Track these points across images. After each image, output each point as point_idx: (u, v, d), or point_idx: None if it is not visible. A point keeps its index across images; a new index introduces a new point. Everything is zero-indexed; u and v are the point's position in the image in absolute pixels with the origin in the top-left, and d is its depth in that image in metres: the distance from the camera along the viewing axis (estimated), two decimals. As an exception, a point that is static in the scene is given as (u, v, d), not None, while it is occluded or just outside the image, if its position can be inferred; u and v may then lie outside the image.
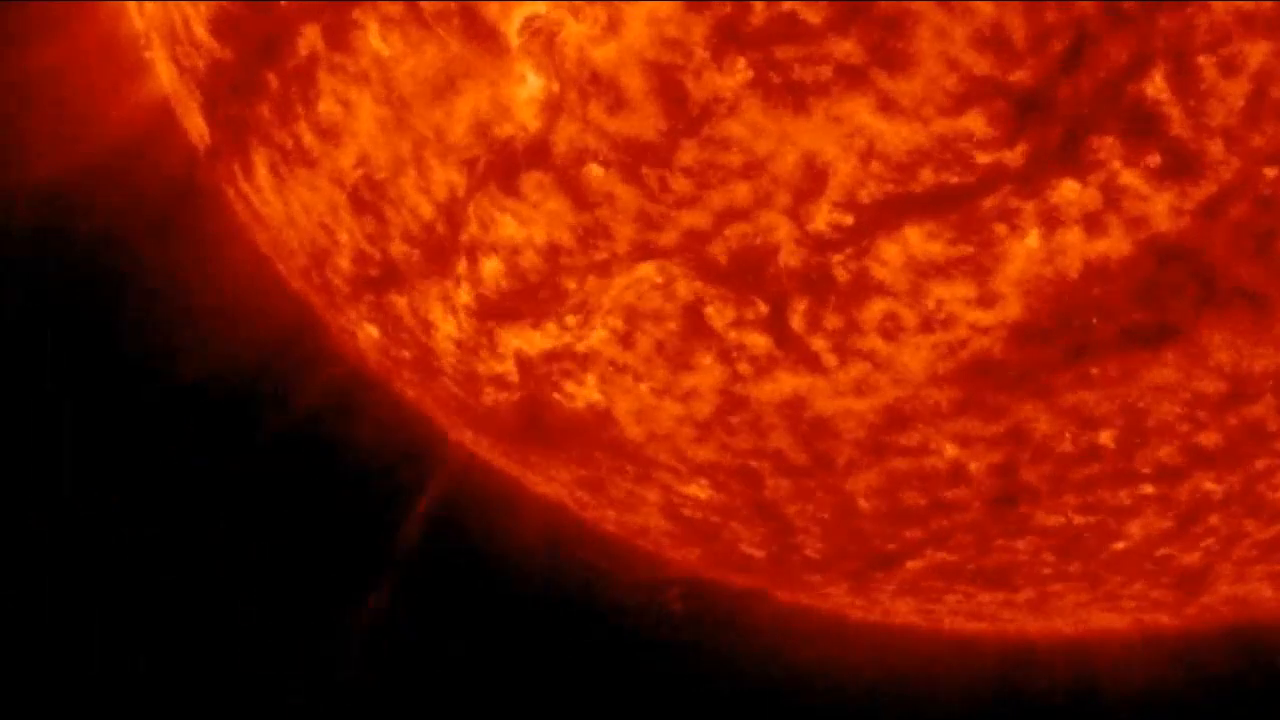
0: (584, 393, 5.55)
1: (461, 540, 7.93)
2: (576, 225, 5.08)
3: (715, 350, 5.22)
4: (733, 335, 5.16)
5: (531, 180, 5.06)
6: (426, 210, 5.36)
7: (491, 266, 5.34)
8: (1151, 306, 4.91)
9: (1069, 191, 4.73)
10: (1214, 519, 5.55)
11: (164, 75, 6.38)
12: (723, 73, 4.68)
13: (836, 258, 4.93)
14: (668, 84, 4.73)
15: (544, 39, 4.85)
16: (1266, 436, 5.23)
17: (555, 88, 4.90)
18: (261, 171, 5.84)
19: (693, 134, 4.78)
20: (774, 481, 5.59)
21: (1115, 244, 4.79)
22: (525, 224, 5.15)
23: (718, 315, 5.13)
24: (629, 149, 4.86)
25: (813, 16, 4.57)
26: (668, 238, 4.99)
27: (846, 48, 4.58)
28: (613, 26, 4.73)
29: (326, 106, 5.35)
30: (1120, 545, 5.66)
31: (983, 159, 4.69)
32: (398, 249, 5.55)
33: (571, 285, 5.24)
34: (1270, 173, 4.68)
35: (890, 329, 5.02)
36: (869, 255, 4.90)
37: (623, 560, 6.97)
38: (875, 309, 5.00)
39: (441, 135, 5.15)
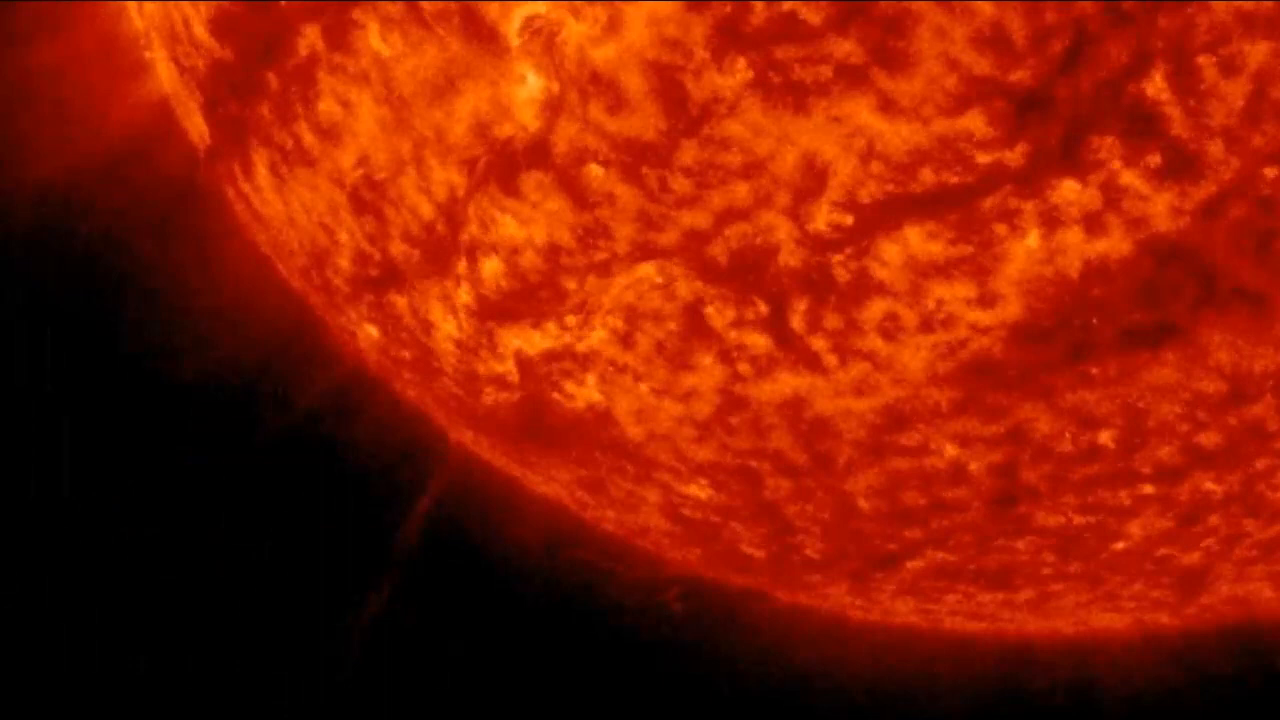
0: (584, 393, 5.54)
1: (461, 540, 7.93)
2: (576, 225, 5.07)
3: (715, 350, 5.21)
4: (733, 335, 5.16)
5: (531, 180, 5.06)
6: (426, 210, 5.36)
7: (491, 266, 5.34)
8: (1151, 306, 4.91)
9: (1069, 191, 4.73)
10: (1214, 519, 5.55)
11: (164, 75, 6.38)
12: (723, 73, 4.68)
13: (836, 258, 4.92)
14: (668, 84, 4.73)
15: (544, 39, 4.85)
16: (1266, 436, 5.23)
17: (555, 88, 4.90)
18: (261, 171, 5.84)
19: (693, 134, 4.78)
20: (774, 481, 5.58)
21: (1115, 244, 4.79)
22: (525, 224, 5.15)
23: (718, 315, 5.13)
24: (629, 149, 4.86)
25: (813, 16, 4.56)
26: (668, 238, 4.99)
27: (846, 48, 4.58)
28: (613, 26, 4.72)
29: (326, 106, 5.35)
30: (1120, 545, 5.66)
31: (983, 159, 4.69)
32: (397, 249, 5.55)
33: (571, 285, 5.24)
34: (1270, 173, 4.68)
35: (890, 329, 5.02)
36: (869, 255, 4.90)
37: (623, 560, 6.97)
38: (875, 309, 4.99)
39: (441, 135, 5.14)
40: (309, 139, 5.49)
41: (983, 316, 4.95)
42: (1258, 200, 4.72)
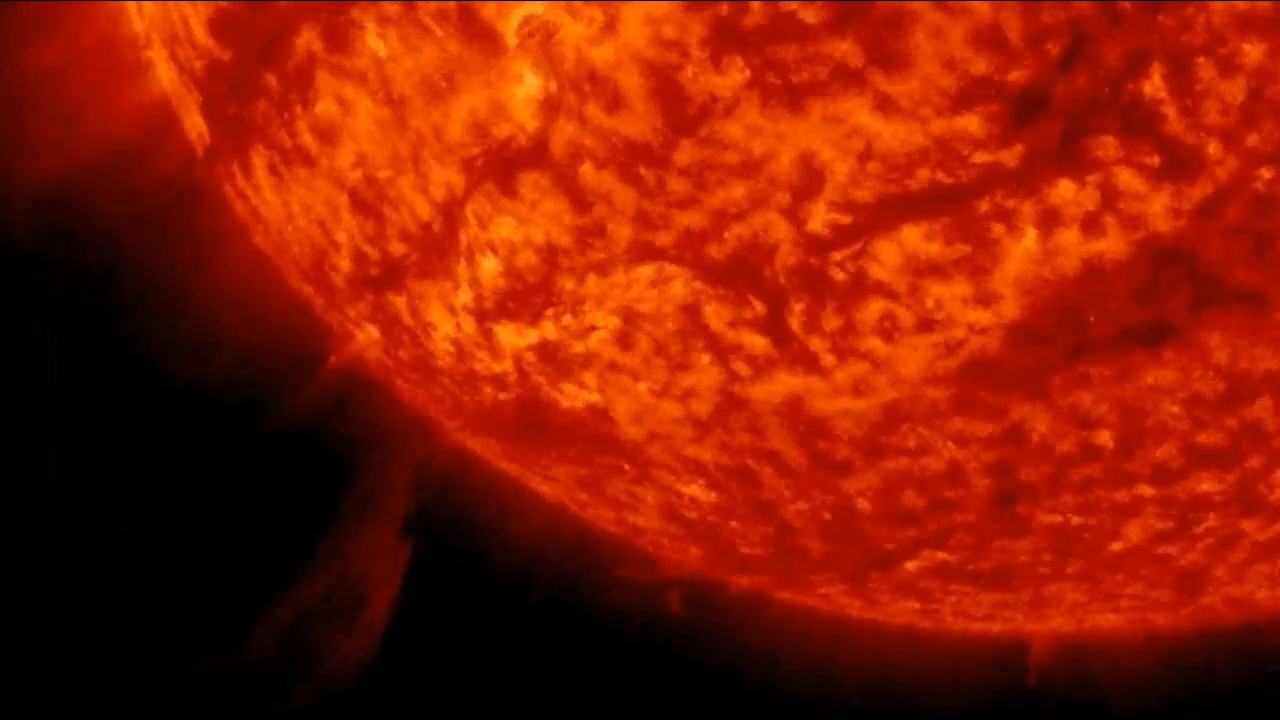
0: (582, 393, 5.55)
1: (461, 540, 7.92)
2: (574, 225, 5.08)
3: (713, 350, 5.21)
4: (731, 335, 5.16)
5: (529, 180, 5.06)
6: (425, 210, 5.37)
7: (490, 266, 5.34)
8: (1149, 306, 4.91)
9: (1066, 191, 4.73)
10: (1212, 519, 5.55)
11: (164, 75, 6.39)
12: (720, 73, 4.68)
13: (834, 258, 4.93)
14: (665, 84, 4.74)
15: (541, 39, 4.85)
16: (1264, 436, 5.23)
17: (553, 87, 4.90)
18: (261, 171, 5.85)
19: (690, 134, 4.78)
20: (773, 482, 5.58)
21: (1113, 244, 4.79)
22: (523, 224, 5.15)
23: (715, 315, 5.13)
24: (626, 149, 4.86)
25: (810, 17, 4.57)
26: (665, 238, 4.99)
27: (844, 48, 4.58)
28: (610, 26, 4.73)
29: (325, 106, 5.35)
30: (1119, 546, 5.66)
31: (980, 159, 4.69)
32: (396, 249, 5.55)
33: (570, 285, 5.24)
34: (1267, 173, 4.68)
35: (888, 329, 5.02)
36: (866, 255, 4.90)
37: (622, 560, 6.97)
38: (873, 309, 5.00)
39: (440, 135, 5.15)
40: (308, 139, 5.49)
41: (981, 316, 4.95)
42: (1255, 200, 4.72)
